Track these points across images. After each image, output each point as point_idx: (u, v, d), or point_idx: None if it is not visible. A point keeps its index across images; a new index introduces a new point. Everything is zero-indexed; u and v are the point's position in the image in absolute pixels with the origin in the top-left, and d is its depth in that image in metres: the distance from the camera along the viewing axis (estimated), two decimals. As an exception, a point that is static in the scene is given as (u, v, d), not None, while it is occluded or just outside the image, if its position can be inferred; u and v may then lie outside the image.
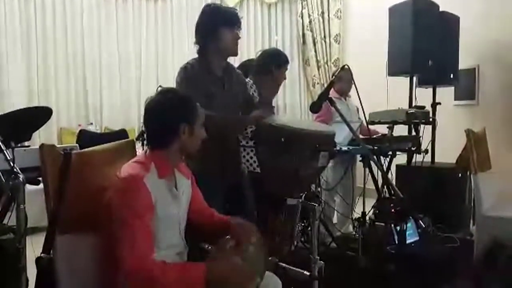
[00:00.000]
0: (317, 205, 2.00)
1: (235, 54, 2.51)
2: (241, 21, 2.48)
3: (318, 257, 2.01)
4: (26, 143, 3.26)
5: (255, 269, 1.67)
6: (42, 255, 1.54)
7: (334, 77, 2.93)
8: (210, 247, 1.74)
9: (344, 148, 3.23)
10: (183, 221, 1.78)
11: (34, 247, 2.12)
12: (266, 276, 1.77)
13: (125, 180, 1.58)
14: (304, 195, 2.11)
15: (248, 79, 3.07)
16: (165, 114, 1.69)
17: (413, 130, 3.94)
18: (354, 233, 3.79)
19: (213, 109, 2.25)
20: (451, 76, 4.40)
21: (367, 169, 3.33)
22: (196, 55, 2.49)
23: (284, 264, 1.78)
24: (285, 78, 3.38)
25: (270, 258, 1.79)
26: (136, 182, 1.56)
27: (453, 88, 4.80)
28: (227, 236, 1.68)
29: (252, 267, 1.65)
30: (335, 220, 4.04)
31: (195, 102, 1.74)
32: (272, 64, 3.22)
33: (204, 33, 2.42)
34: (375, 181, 3.39)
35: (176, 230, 1.73)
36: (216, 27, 2.38)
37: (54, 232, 1.55)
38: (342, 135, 3.18)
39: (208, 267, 1.54)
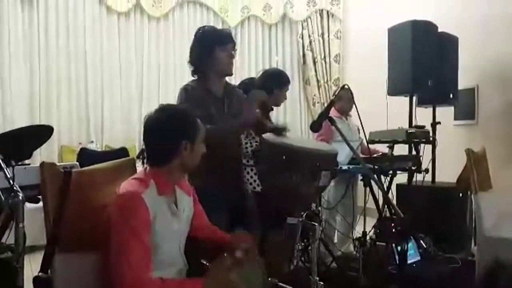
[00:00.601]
0: (317, 224, 1.99)
1: (230, 73, 2.52)
2: (235, 41, 2.51)
3: (318, 278, 2.00)
4: (26, 161, 3.26)
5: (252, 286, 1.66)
6: (40, 274, 1.52)
7: (334, 96, 2.96)
8: (209, 264, 1.72)
9: (345, 167, 3.23)
10: (183, 238, 1.77)
11: (32, 266, 2.11)
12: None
13: (122, 196, 1.58)
14: (305, 214, 2.10)
15: None
16: (166, 131, 1.70)
17: (413, 150, 3.94)
18: (355, 252, 3.76)
19: None
20: (451, 96, 4.42)
21: (367, 189, 3.32)
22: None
23: (284, 285, 1.77)
24: (285, 98, 3.41)
25: (270, 279, 1.77)
26: (134, 199, 1.56)
27: (452, 108, 4.82)
28: (225, 254, 1.67)
29: (248, 284, 1.64)
30: (335, 239, 4.02)
31: (195, 118, 1.74)
32: (273, 84, 3.25)
33: (199, 55, 2.44)
34: (375, 200, 3.38)
35: (176, 247, 1.73)
36: (211, 48, 2.41)
37: (52, 251, 1.54)
38: (342, 154, 3.18)
39: (205, 284, 1.53)
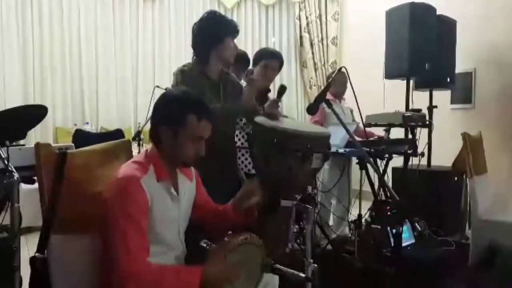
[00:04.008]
0: (311, 207, 2.00)
1: (231, 63, 2.59)
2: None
3: (312, 260, 2.01)
4: (21, 142, 3.25)
5: (250, 274, 1.67)
6: (36, 254, 1.53)
7: (331, 79, 2.93)
8: (209, 246, 1.71)
9: (340, 150, 3.23)
10: (183, 223, 1.76)
11: (28, 247, 2.11)
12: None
13: (120, 181, 1.55)
14: (300, 197, 2.10)
15: (242, 81, 3.07)
16: (154, 112, 1.69)
17: (409, 133, 3.94)
18: (350, 235, 3.79)
19: None
20: (448, 79, 4.41)
21: (363, 172, 3.33)
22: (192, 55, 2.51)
23: (280, 266, 1.78)
24: (270, 73, 3.32)
25: (266, 260, 1.78)
26: (132, 184, 1.53)
27: (449, 91, 4.82)
28: (226, 238, 1.67)
29: (249, 265, 1.65)
30: (331, 222, 4.04)
31: (188, 111, 1.62)
32: (258, 59, 3.26)
33: (209, 40, 2.44)
34: (371, 183, 3.39)
35: (174, 233, 1.71)
36: (223, 36, 2.43)
37: (48, 231, 1.54)
38: (338, 137, 3.18)
39: (203, 272, 1.51)
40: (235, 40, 2.53)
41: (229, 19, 2.56)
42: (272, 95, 3.41)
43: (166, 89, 3.68)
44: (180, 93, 1.75)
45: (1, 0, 5.10)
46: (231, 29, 2.46)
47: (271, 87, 3.48)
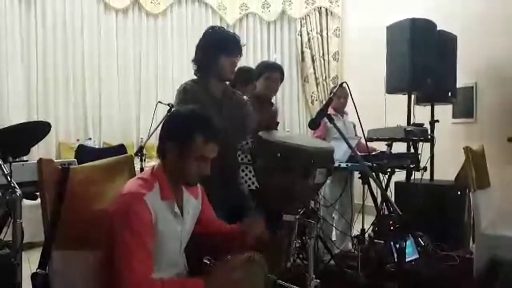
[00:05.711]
0: (313, 221, 1.99)
1: (230, 79, 2.56)
2: (242, 47, 2.53)
3: (314, 275, 1.99)
4: (24, 158, 3.25)
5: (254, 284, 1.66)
6: (38, 270, 1.52)
7: (332, 94, 2.94)
8: (211, 263, 1.71)
9: (343, 165, 3.23)
10: (185, 240, 1.76)
11: (30, 263, 2.11)
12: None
13: (125, 197, 1.56)
14: (302, 211, 2.10)
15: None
16: (162, 129, 1.71)
17: (411, 148, 3.94)
18: (353, 250, 3.77)
19: None
20: (449, 94, 4.42)
21: (366, 186, 3.32)
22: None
23: (282, 282, 1.76)
24: (270, 86, 3.34)
25: (269, 276, 1.77)
26: (136, 200, 1.54)
27: (451, 106, 4.83)
28: (228, 256, 1.66)
29: (251, 282, 1.64)
30: (334, 237, 4.02)
31: (196, 129, 1.64)
32: (258, 73, 3.28)
33: (203, 57, 2.46)
34: (374, 198, 3.38)
35: (176, 249, 1.71)
36: (216, 54, 2.43)
37: (50, 247, 1.54)
38: (340, 152, 3.18)
39: (206, 282, 1.52)
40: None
41: (227, 37, 2.53)
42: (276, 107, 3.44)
43: (168, 104, 3.72)
44: (190, 112, 1.76)
45: (5, 15, 5.15)
46: (227, 48, 2.45)
47: (273, 100, 3.51)
